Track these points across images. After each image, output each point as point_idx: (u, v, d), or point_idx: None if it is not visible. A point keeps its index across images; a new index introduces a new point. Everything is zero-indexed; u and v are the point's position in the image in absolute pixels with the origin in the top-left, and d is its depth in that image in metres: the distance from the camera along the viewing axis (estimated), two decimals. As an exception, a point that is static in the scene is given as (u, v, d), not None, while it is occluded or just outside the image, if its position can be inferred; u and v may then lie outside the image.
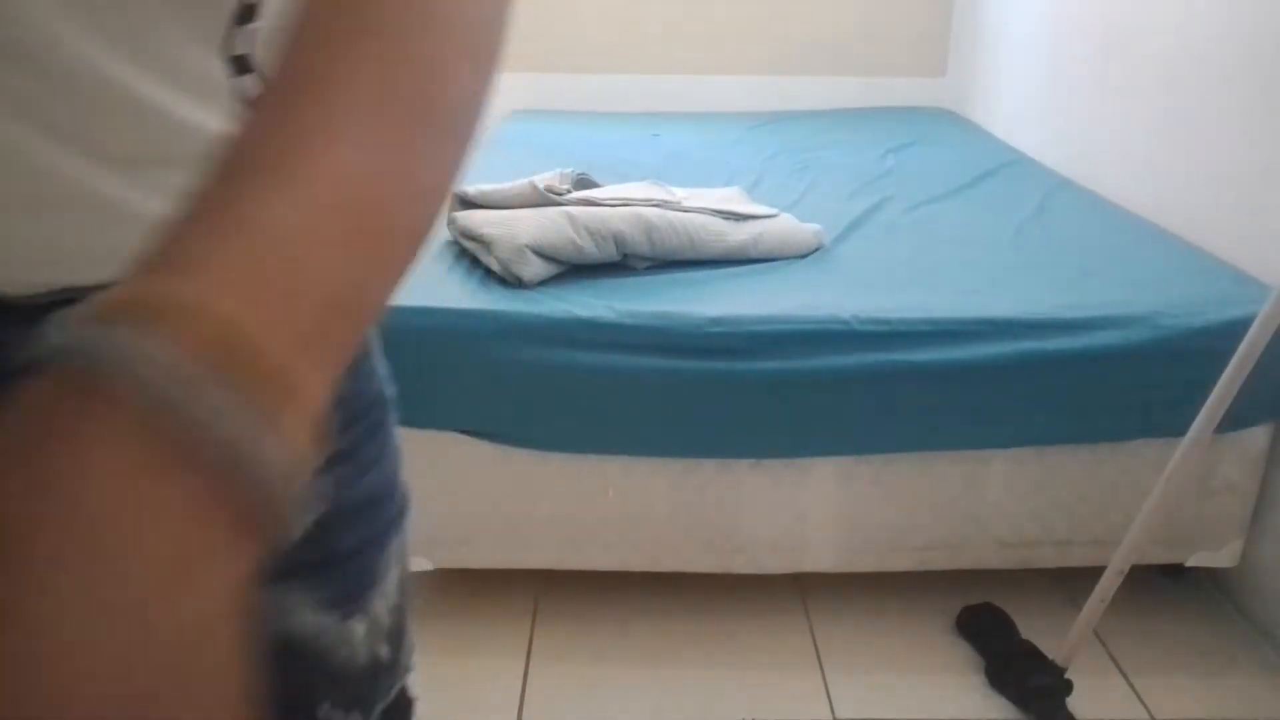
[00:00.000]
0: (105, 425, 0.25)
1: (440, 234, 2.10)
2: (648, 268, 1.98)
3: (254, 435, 0.26)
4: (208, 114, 0.47)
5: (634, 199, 2.06)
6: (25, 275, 0.44)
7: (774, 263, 2.03)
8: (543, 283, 1.86)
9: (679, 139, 3.17)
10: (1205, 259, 2.04)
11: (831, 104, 3.75)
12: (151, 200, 0.45)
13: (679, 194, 2.15)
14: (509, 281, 1.85)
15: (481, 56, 0.40)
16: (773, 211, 2.16)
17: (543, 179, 2.13)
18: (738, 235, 2.03)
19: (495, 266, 1.88)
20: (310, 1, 0.37)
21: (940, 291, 1.88)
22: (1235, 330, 1.51)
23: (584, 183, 2.23)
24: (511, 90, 3.68)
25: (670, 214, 2.00)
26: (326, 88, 0.34)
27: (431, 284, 1.87)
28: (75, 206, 0.44)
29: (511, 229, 1.90)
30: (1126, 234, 2.22)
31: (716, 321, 1.74)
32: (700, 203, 2.11)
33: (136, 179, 0.45)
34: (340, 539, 0.56)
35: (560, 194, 2.08)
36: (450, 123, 0.38)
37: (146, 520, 0.25)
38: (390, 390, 0.60)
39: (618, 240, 1.93)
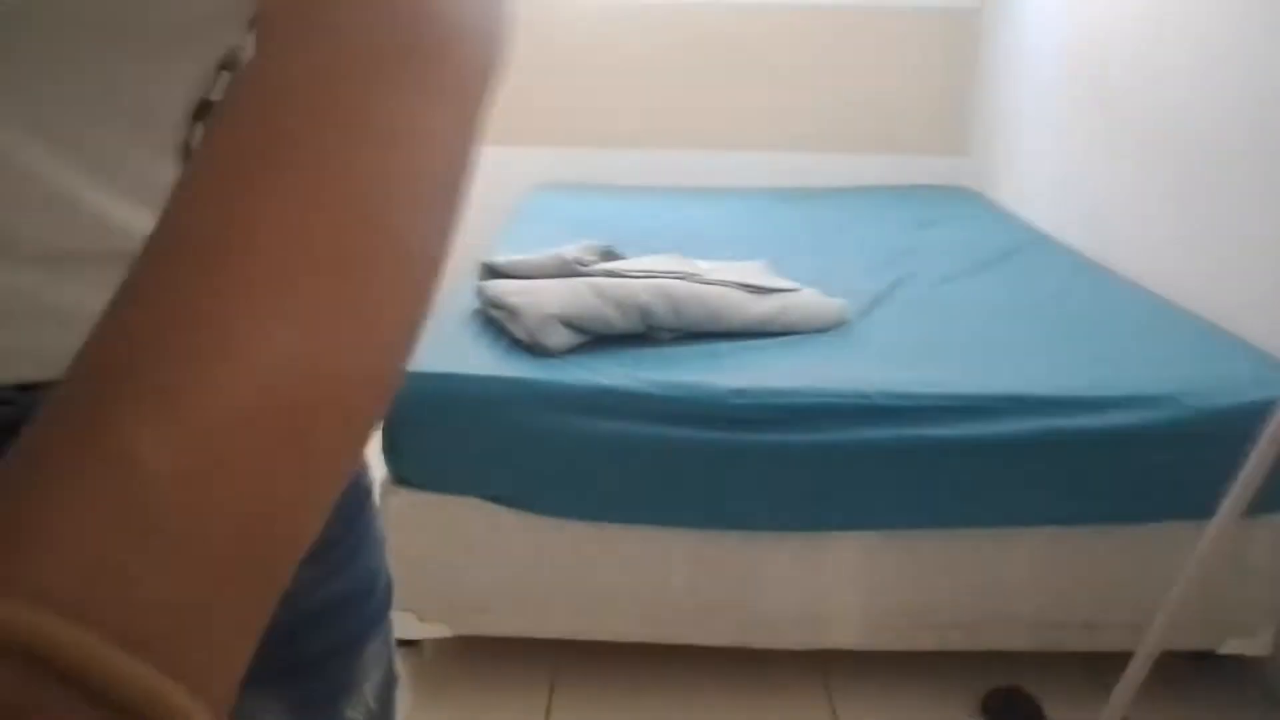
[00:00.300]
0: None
1: (468, 302, 2.13)
2: (672, 339, 1.99)
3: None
4: (147, 215, 0.42)
5: (658, 271, 2.08)
6: None
7: (797, 336, 2.04)
8: (568, 352, 1.88)
9: (702, 214, 3.21)
10: (1227, 339, 2.04)
11: (855, 181, 3.80)
12: (72, 297, 0.42)
13: (703, 267, 2.18)
14: (534, 350, 1.87)
15: (443, 183, 0.33)
16: (796, 285, 2.18)
17: (569, 251, 2.16)
18: (761, 308, 2.05)
19: (521, 335, 1.90)
20: (225, 120, 0.32)
21: (963, 367, 1.88)
22: (1262, 411, 1.50)
23: (609, 255, 2.26)
24: (537, 164, 3.75)
25: (694, 286, 2.03)
26: (231, 250, 0.28)
27: (458, 351, 1.89)
28: None
29: (538, 298, 1.92)
30: (1148, 313, 2.22)
31: (740, 393, 1.75)
32: (724, 275, 2.13)
33: (60, 275, 0.43)
34: (310, 643, 0.51)
35: (586, 265, 2.11)
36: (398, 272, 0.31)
37: None
38: (367, 477, 0.56)
39: (642, 311, 1.95)
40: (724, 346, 1.97)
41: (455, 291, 2.27)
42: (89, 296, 0.36)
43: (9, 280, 0.41)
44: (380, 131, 0.31)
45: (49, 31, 0.40)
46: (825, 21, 3.77)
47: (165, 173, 0.45)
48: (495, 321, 2.02)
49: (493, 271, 2.18)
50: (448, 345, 1.91)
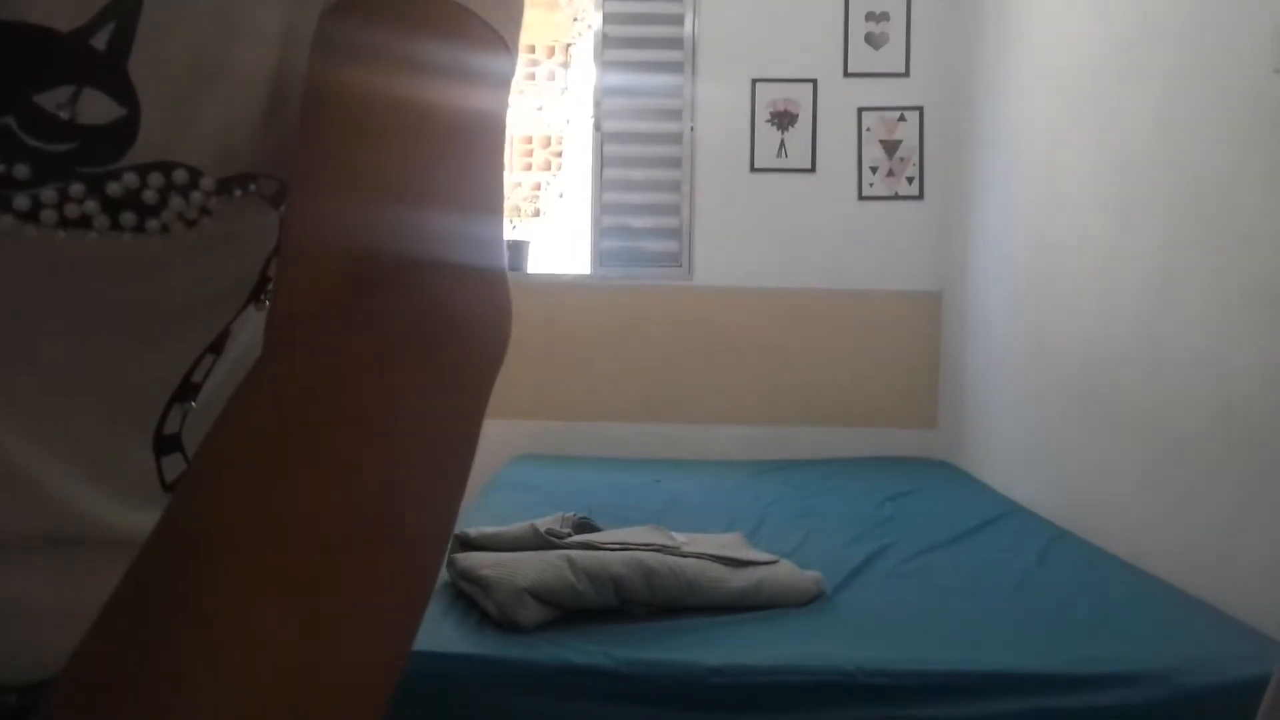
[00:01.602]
0: None
1: (440, 575, 2.09)
2: (646, 614, 1.95)
3: None
4: (120, 503, 0.44)
5: (634, 543, 2.07)
6: None
7: (774, 610, 2.00)
8: (540, 627, 1.83)
9: (680, 485, 3.23)
10: (1210, 613, 2.01)
11: (829, 453, 3.86)
12: (18, 585, 0.42)
13: (679, 539, 2.17)
14: (505, 626, 1.82)
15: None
16: (773, 558, 2.16)
17: (544, 522, 2.15)
18: (737, 582, 2.02)
19: (492, 610, 1.86)
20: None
21: (944, 643, 1.84)
22: (1253, 688, 1.46)
23: (585, 526, 2.25)
24: (516, 435, 3.81)
25: (670, 559, 2.01)
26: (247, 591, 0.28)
27: (426, 627, 1.83)
28: None
29: (511, 571, 1.89)
30: (1128, 586, 2.20)
31: (717, 671, 1.69)
32: (700, 548, 2.12)
33: (20, 562, 0.43)
34: None
35: (561, 537, 2.10)
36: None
37: None
38: None
39: (616, 585, 1.92)
40: (700, 622, 1.92)
41: (427, 564, 2.24)
42: (39, 585, 0.40)
43: None
44: (390, 428, 0.33)
45: (41, 314, 0.42)
46: (794, 302, 3.98)
47: (139, 457, 0.45)
48: (466, 595, 1.98)
49: (466, 544, 2.16)
50: (416, 621, 1.85)
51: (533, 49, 4.43)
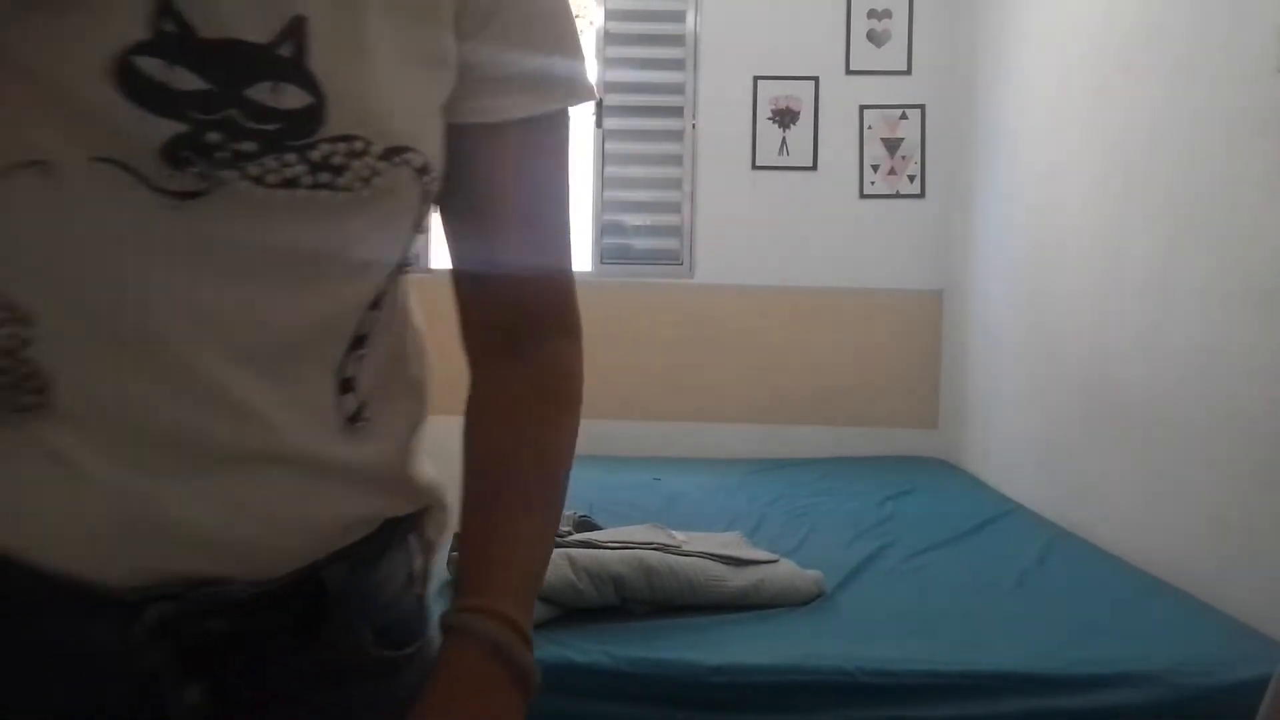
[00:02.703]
0: (499, 673, 0.59)
1: (439, 574, 2.09)
2: (647, 613, 1.95)
3: (525, 657, 0.60)
4: (311, 432, 0.59)
5: (634, 542, 2.07)
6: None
7: (774, 609, 2.00)
8: (539, 626, 1.83)
9: (680, 483, 3.23)
10: (1210, 612, 2.01)
11: (829, 452, 3.86)
12: (245, 495, 0.58)
13: (680, 537, 2.17)
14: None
15: (563, 481, 0.70)
16: (773, 557, 2.16)
17: (545, 520, 2.15)
18: (738, 581, 2.02)
19: (493, 608, 1.85)
20: (496, 472, 0.67)
21: (945, 642, 1.84)
22: (1253, 689, 1.46)
23: (585, 524, 2.25)
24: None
25: (670, 558, 2.01)
26: (524, 500, 0.66)
27: (427, 625, 1.83)
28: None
29: (511, 570, 1.89)
30: (1128, 586, 2.20)
31: (718, 670, 1.69)
32: (700, 547, 2.12)
33: (236, 475, 0.57)
34: None
35: (561, 535, 2.10)
36: (556, 515, 0.70)
37: (512, 702, 0.60)
38: None
39: (617, 583, 1.92)
40: (700, 621, 1.92)
41: (428, 562, 2.24)
42: (256, 494, 0.57)
43: (203, 481, 0.56)
44: (557, 453, 0.69)
45: (259, 264, 0.56)
46: (795, 301, 3.98)
47: (322, 387, 0.60)
48: (467, 594, 1.97)
49: (467, 542, 2.15)
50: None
51: (534, 46, 4.41)
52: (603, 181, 4.02)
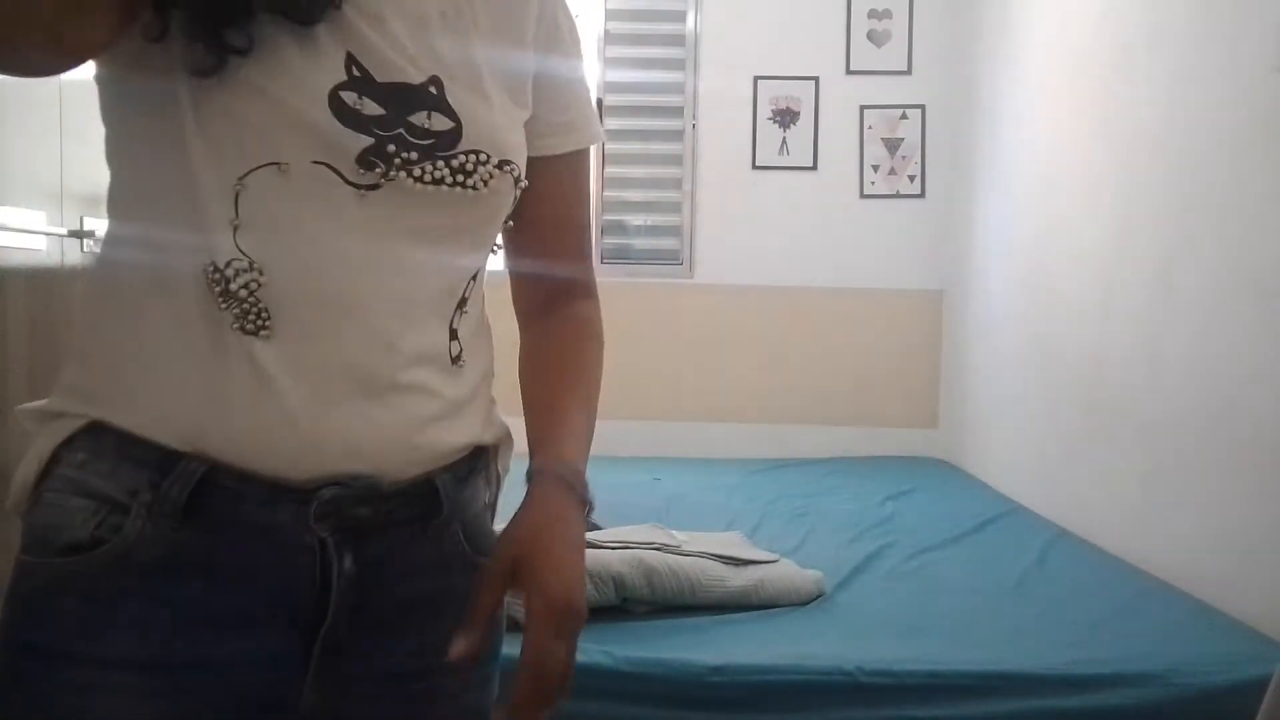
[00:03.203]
0: (570, 497, 0.83)
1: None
2: (647, 612, 1.95)
3: (587, 490, 0.85)
4: (429, 368, 0.81)
5: (634, 541, 2.07)
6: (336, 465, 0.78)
7: (775, 609, 2.00)
8: (540, 626, 1.83)
9: (680, 483, 3.23)
10: (1210, 613, 2.01)
11: (829, 452, 3.86)
12: (393, 415, 0.79)
13: (680, 537, 2.17)
14: (505, 624, 1.82)
15: (599, 374, 0.96)
16: (773, 557, 2.16)
17: (545, 520, 2.15)
18: (738, 581, 2.02)
19: (493, 608, 1.85)
20: (550, 362, 0.94)
21: (945, 643, 1.84)
22: (1253, 689, 1.46)
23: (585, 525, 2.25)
24: (516, 433, 3.80)
25: (670, 558, 2.01)
26: (571, 399, 0.91)
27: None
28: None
29: (511, 570, 1.89)
30: (1127, 586, 2.20)
31: (718, 670, 1.69)
32: (701, 547, 2.12)
33: (388, 400, 0.79)
34: None
35: (562, 535, 2.10)
36: (594, 409, 0.93)
37: (578, 525, 0.83)
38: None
39: (617, 583, 1.92)
40: (700, 621, 1.92)
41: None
42: (395, 417, 0.79)
43: (369, 406, 0.78)
44: (591, 369, 0.95)
45: (413, 240, 0.78)
46: (795, 301, 3.98)
47: (440, 336, 0.82)
48: (467, 593, 1.97)
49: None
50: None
51: (534, 45, 4.42)
52: (603, 181, 4.02)
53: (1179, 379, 2.28)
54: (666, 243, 4.03)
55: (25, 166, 2.04)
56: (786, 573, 2.10)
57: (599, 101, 3.99)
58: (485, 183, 0.79)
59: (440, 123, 0.77)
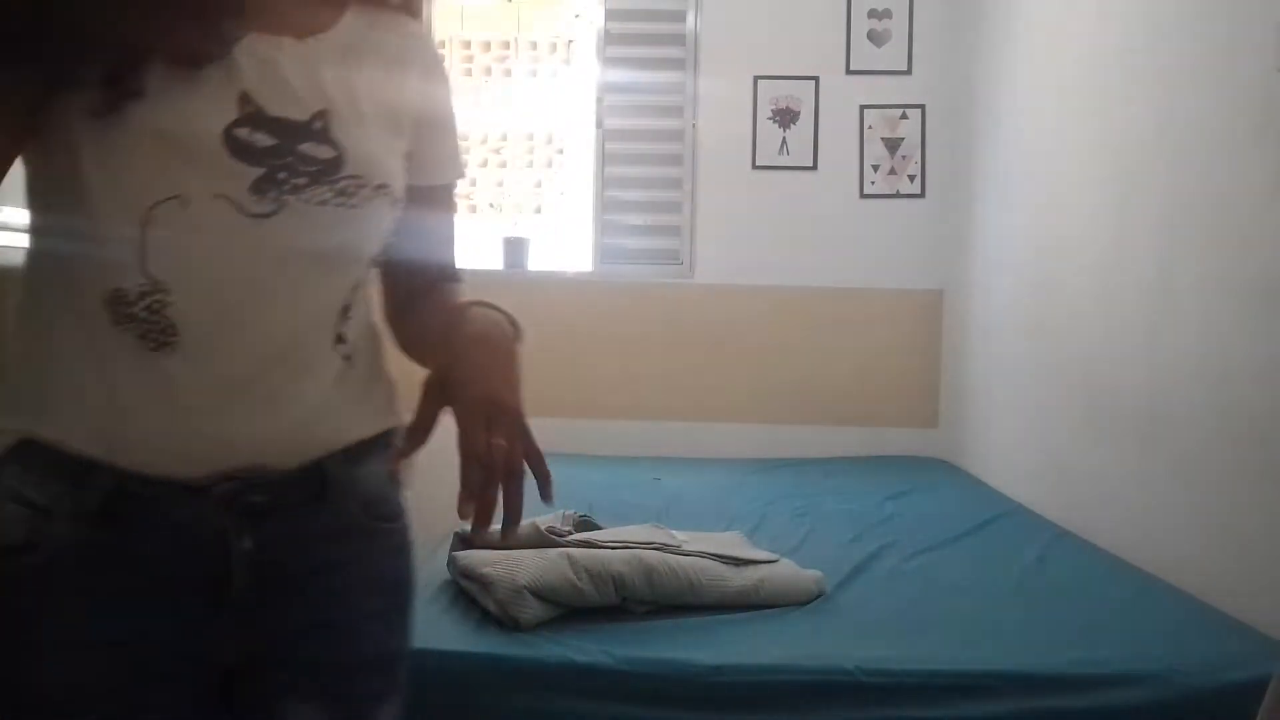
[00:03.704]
0: (498, 316, 0.91)
1: (440, 573, 2.09)
2: (647, 612, 1.95)
3: (516, 324, 0.91)
4: (322, 367, 0.91)
5: (634, 541, 2.07)
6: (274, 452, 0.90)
7: (775, 609, 2.00)
8: (540, 625, 1.83)
9: (680, 483, 3.23)
10: (1209, 613, 2.01)
11: (829, 452, 3.86)
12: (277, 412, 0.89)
13: (680, 537, 2.17)
14: (506, 624, 1.82)
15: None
16: (773, 557, 2.16)
17: (544, 520, 2.15)
18: (738, 581, 2.02)
19: (493, 608, 1.86)
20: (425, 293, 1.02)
21: (945, 642, 1.84)
22: (1254, 689, 1.46)
23: (585, 524, 2.25)
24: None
25: (670, 558, 2.01)
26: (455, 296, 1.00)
27: (426, 625, 1.83)
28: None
29: (511, 570, 1.89)
30: (1128, 586, 2.20)
31: (718, 670, 1.69)
32: (701, 546, 2.12)
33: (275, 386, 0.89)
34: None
35: (561, 535, 2.10)
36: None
37: (507, 340, 0.89)
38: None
39: (617, 583, 1.92)
40: (701, 620, 1.92)
41: (426, 562, 2.24)
42: (289, 415, 0.89)
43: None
44: (456, 292, 1.02)
45: (302, 262, 0.87)
46: (795, 300, 3.98)
47: (328, 341, 0.91)
48: (467, 593, 1.97)
49: (466, 541, 2.15)
50: (415, 619, 1.86)
51: (535, 46, 4.42)
52: (603, 181, 4.02)
53: (1178, 378, 2.28)
54: (666, 243, 4.03)
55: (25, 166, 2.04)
56: (786, 573, 2.10)
57: (599, 101, 3.99)
58: (366, 201, 0.89)
59: (325, 152, 0.86)
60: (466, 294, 1.00)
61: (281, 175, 0.83)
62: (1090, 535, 2.60)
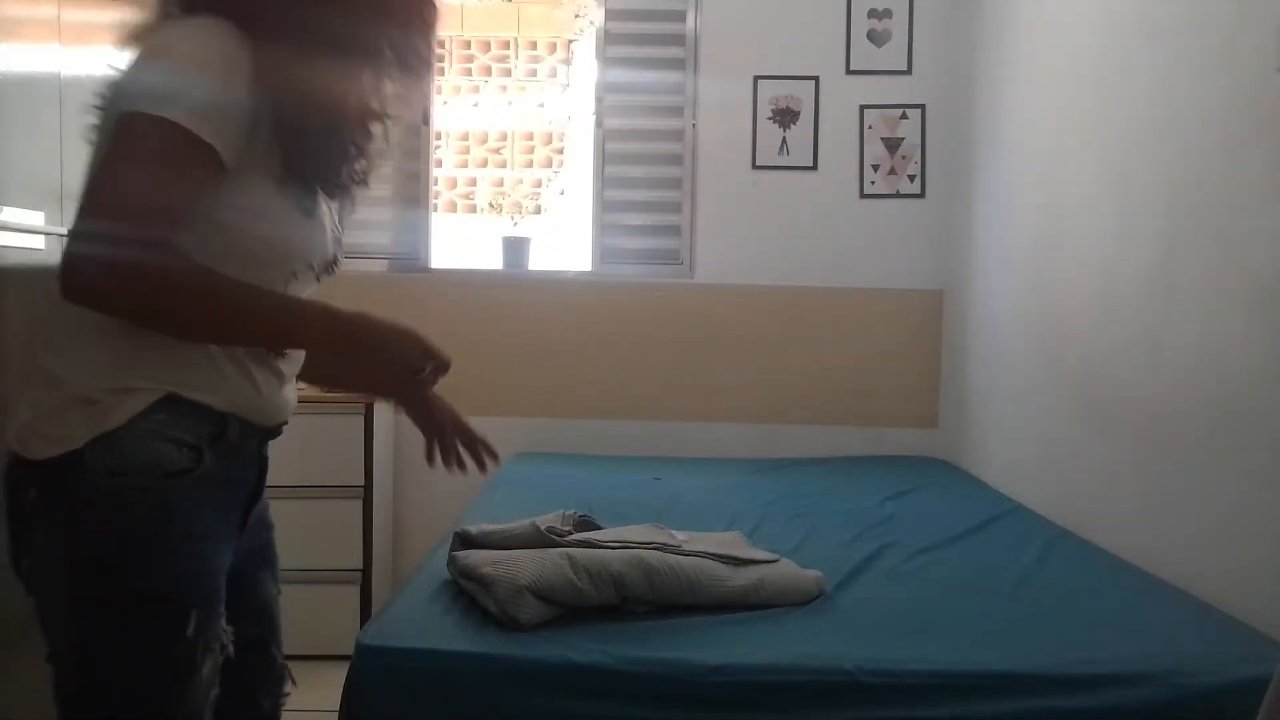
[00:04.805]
0: (359, 319, 1.32)
1: (440, 573, 2.09)
2: (647, 612, 1.95)
3: (363, 319, 1.32)
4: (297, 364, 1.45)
5: (634, 541, 2.07)
6: None
7: (775, 609, 2.00)
8: (540, 625, 1.83)
9: (680, 483, 3.23)
10: (1210, 613, 2.01)
11: (829, 452, 3.86)
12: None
13: (680, 537, 2.17)
14: (505, 624, 1.82)
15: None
16: (773, 557, 2.16)
17: (544, 520, 2.15)
18: (738, 580, 2.02)
19: (493, 608, 1.85)
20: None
21: (945, 642, 1.84)
22: (1254, 689, 1.46)
23: (585, 524, 2.25)
24: (517, 433, 3.81)
25: (670, 557, 2.01)
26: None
27: (426, 624, 1.83)
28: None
29: (511, 570, 1.89)
30: (1128, 586, 2.20)
31: (717, 670, 1.69)
32: (700, 546, 2.12)
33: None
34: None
35: (561, 535, 2.10)
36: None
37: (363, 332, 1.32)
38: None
39: (617, 582, 1.92)
40: (700, 620, 1.92)
41: (427, 562, 2.24)
42: (292, 392, 1.47)
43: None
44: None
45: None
46: (795, 300, 3.98)
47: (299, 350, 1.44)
48: (467, 593, 1.97)
49: (466, 541, 2.15)
50: (415, 618, 1.86)
51: (534, 45, 4.42)
52: (603, 181, 4.02)
53: (1178, 378, 2.28)
54: (666, 243, 4.03)
55: (25, 166, 2.04)
56: (786, 572, 2.10)
57: (599, 101, 3.99)
58: (333, 272, 1.44)
59: (340, 250, 1.45)
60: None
61: (337, 259, 1.44)
62: (1090, 535, 2.60)
